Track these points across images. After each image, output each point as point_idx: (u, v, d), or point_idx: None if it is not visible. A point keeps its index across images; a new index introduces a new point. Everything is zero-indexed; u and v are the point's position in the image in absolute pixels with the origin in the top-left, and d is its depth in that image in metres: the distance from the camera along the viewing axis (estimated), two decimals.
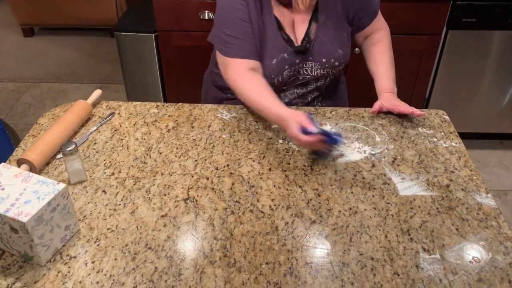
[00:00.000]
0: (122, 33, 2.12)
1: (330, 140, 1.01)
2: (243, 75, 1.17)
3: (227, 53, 1.19)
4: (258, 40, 1.19)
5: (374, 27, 1.33)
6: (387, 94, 1.26)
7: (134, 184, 1.02)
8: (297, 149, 1.12)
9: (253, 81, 1.16)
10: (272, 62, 1.21)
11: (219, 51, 1.22)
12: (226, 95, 1.37)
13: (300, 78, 1.27)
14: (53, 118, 1.24)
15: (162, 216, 0.94)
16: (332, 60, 1.24)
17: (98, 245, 0.88)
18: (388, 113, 1.24)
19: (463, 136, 1.19)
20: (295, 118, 1.01)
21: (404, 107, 1.20)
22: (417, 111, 1.18)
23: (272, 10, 1.20)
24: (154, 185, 1.01)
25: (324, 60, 1.24)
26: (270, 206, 0.96)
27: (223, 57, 1.20)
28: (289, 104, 1.33)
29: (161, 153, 1.11)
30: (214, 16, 1.24)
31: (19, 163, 1.02)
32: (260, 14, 1.19)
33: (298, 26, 1.23)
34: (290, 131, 1.02)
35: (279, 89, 1.28)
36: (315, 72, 1.25)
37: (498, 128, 2.41)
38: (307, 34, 1.23)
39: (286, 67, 1.22)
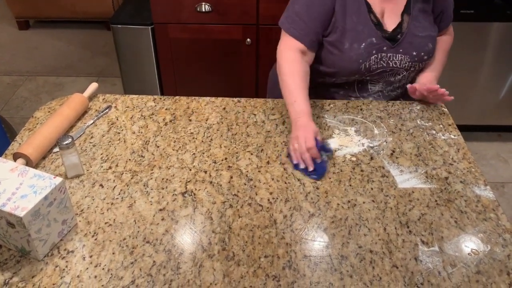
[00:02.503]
0: (118, 26, 2.10)
1: (322, 150, 1.05)
2: (291, 53, 1.19)
3: (286, 27, 1.21)
4: (345, 24, 1.19)
5: (445, 31, 1.33)
6: (424, 81, 1.26)
7: (132, 178, 1.01)
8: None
9: (296, 63, 1.18)
10: (360, 46, 1.19)
11: (281, 21, 1.23)
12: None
13: (388, 70, 1.24)
14: (49, 111, 1.23)
15: (160, 210, 0.93)
16: (422, 53, 1.23)
17: (95, 239, 0.87)
18: (386, 106, 1.24)
19: (461, 128, 1.19)
20: (312, 126, 1.06)
21: (430, 85, 1.20)
22: (442, 90, 1.17)
23: None
24: (151, 178, 1.01)
25: (414, 53, 1.22)
26: (269, 199, 0.96)
27: (282, 31, 1.22)
28: (372, 97, 1.31)
29: (158, 147, 1.10)
30: None
31: (15, 157, 1.02)
32: (353, 0, 1.19)
33: (390, 17, 1.21)
34: (309, 126, 1.06)
35: (364, 78, 1.26)
36: (404, 65, 1.23)
37: (496, 121, 2.41)
38: (399, 25, 1.21)
39: (374, 52, 1.20)
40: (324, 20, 1.19)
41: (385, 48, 1.20)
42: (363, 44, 1.19)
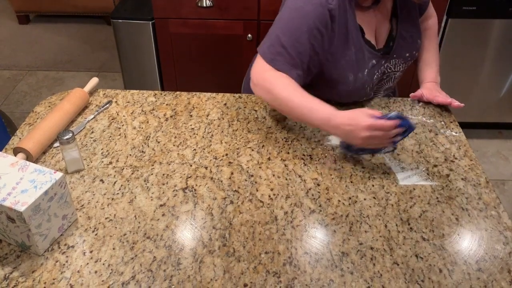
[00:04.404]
0: (119, 21, 2.09)
1: (405, 123, 0.94)
2: (274, 74, 1.05)
3: (269, 58, 1.05)
4: (345, 56, 1.09)
5: (427, 14, 1.30)
6: (429, 84, 1.25)
7: (132, 173, 1.01)
8: (296, 138, 1.11)
9: (286, 80, 1.03)
10: (364, 73, 1.14)
11: (261, 52, 1.07)
12: None
13: (385, 77, 1.21)
14: (49, 106, 1.22)
15: (161, 205, 0.93)
16: (414, 52, 1.21)
17: (96, 234, 0.87)
18: (388, 102, 1.24)
19: (462, 125, 1.19)
20: (358, 110, 0.96)
21: (442, 98, 1.19)
22: (455, 103, 1.16)
23: (355, 19, 1.08)
24: (152, 174, 1.01)
25: (407, 54, 1.19)
26: (269, 196, 0.96)
27: (262, 60, 1.07)
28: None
29: (159, 142, 1.10)
30: (279, 14, 1.08)
31: (16, 151, 1.01)
32: (345, 29, 1.07)
33: (380, 26, 1.16)
34: (364, 122, 0.93)
35: (369, 95, 1.23)
36: (398, 67, 1.21)
37: (496, 118, 2.40)
38: (390, 33, 1.16)
39: (375, 71, 1.16)
40: (314, 55, 1.07)
41: (383, 62, 1.17)
42: (366, 70, 1.14)
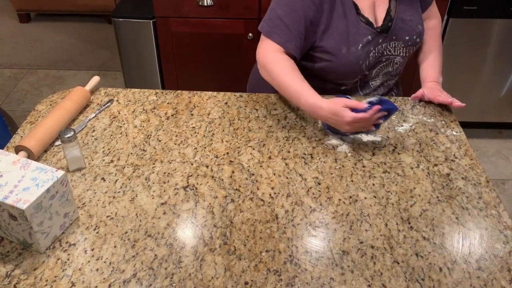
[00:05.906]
0: (120, 19, 2.09)
1: (386, 107, 1.04)
2: (276, 55, 1.14)
3: (267, 31, 1.16)
4: (337, 28, 1.16)
5: (429, 13, 1.31)
6: (431, 84, 1.25)
7: (133, 172, 1.01)
8: (297, 137, 1.11)
9: (285, 63, 1.13)
10: (358, 47, 1.17)
11: (260, 26, 1.18)
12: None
13: (384, 59, 1.23)
14: (51, 104, 1.23)
15: (162, 203, 0.94)
16: (414, 36, 1.22)
17: (97, 232, 0.87)
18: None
19: (462, 125, 1.19)
20: (339, 104, 1.02)
21: (443, 98, 1.19)
22: (457, 102, 1.17)
23: None
24: (153, 172, 1.01)
25: (407, 37, 1.21)
26: (270, 194, 0.96)
27: (262, 36, 1.18)
28: (374, 92, 1.29)
29: (160, 141, 1.10)
30: None
31: (17, 150, 1.02)
32: (340, 3, 1.15)
33: (379, 6, 1.20)
34: (346, 117, 1.01)
35: (366, 75, 1.24)
36: (399, 52, 1.23)
37: (497, 117, 2.40)
38: (388, 13, 1.20)
39: (371, 49, 1.19)
40: (309, 25, 1.14)
41: (380, 40, 1.19)
42: (360, 45, 1.17)
